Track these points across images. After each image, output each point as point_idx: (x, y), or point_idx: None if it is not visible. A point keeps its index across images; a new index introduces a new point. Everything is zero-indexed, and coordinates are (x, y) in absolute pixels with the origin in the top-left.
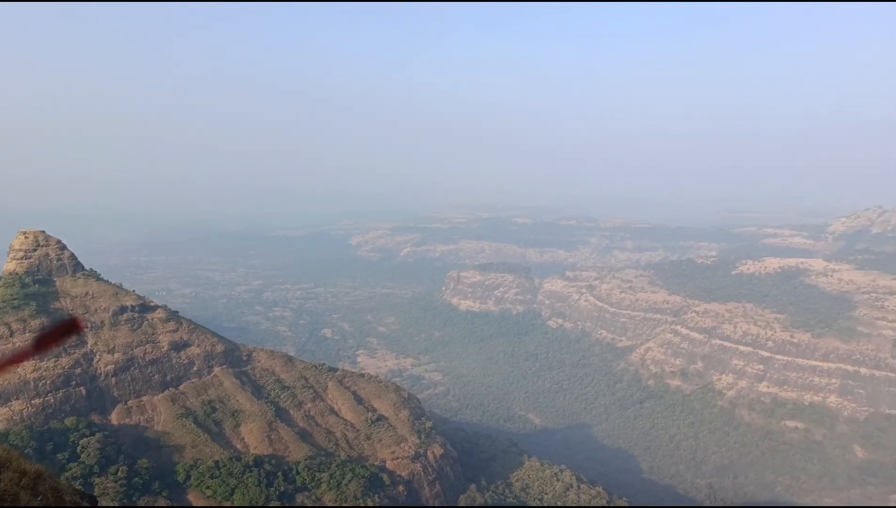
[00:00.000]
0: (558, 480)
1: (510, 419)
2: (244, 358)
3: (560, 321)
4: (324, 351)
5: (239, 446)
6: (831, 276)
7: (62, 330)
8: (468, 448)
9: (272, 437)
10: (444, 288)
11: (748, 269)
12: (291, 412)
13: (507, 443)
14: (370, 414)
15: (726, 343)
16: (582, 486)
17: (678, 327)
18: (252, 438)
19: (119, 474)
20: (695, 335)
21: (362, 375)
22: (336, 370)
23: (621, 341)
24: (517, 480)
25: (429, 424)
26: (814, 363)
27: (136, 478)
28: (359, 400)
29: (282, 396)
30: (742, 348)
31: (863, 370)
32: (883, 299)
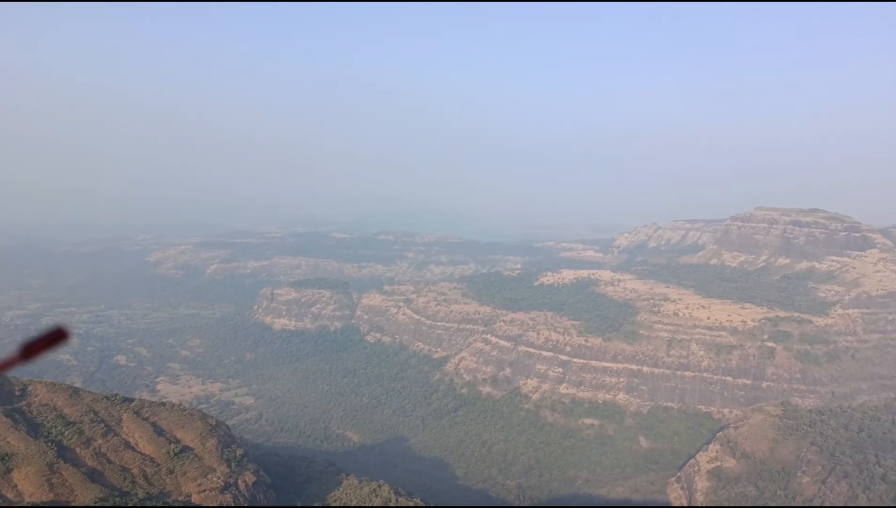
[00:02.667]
0: (376, 496)
1: (328, 438)
2: (17, 393)
3: (378, 335)
4: (117, 380)
5: (10, 494)
6: (617, 285)
7: (49, 339)
8: (283, 472)
9: (53, 481)
10: (256, 307)
11: (548, 280)
12: (78, 450)
13: (324, 464)
14: (173, 446)
15: (531, 349)
16: (400, 499)
17: (488, 336)
18: (28, 484)
19: None
20: (503, 342)
21: (163, 404)
22: (132, 400)
23: (437, 352)
24: (335, 500)
25: (240, 451)
26: (605, 364)
27: None
28: (159, 432)
29: (66, 433)
30: (544, 353)
31: (645, 369)
32: (659, 305)
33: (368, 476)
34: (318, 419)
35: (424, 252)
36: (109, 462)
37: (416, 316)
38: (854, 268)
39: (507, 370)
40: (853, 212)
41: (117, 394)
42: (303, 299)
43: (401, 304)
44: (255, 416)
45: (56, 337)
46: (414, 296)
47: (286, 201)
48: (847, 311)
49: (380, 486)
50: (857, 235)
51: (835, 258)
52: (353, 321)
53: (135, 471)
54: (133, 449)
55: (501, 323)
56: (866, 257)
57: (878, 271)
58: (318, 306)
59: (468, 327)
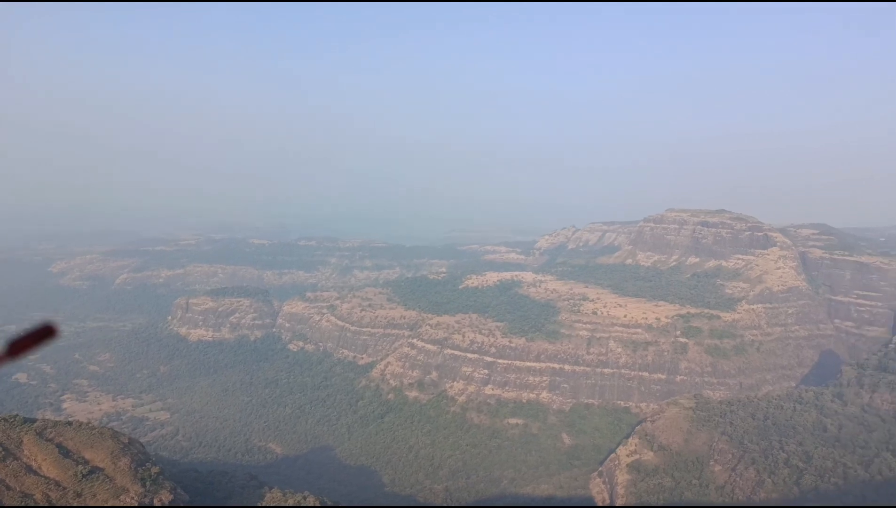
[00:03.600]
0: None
1: (249, 451)
2: None
3: (301, 343)
4: (17, 400)
5: None
6: (539, 286)
7: (36, 336)
8: (202, 488)
9: None
10: (170, 317)
11: (473, 283)
12: None
13: (246, 478)
14: (80, 467)
15: (456, 352)
16: None
17: (414, 340)
18: None
19: None
20: (429, 346)
21: (69, 423)
22: (34, 420)
23: (363, 358)
24: None
25: (155, 469)
26: (528, 364)
27: None
28: (65, 453)
29: None
30: (470, 355)
31: (566, 367)
32: (578, 305)
33: (293, 488)
34: (238, 432)
35: (348, 257)
36: (8, 488)
37: (341, 323)
38: (757, 265)
39: (434, 374)
40: (755, 212)
41: (17, 415)
42: (220, 309)
43: (324, 311)
44: (172, 432)
45: (43, 334)
46: (338, 302)
47: (203, 207)
48: (752, 306)
49: (304, 497)
50: (760, 234)
51: (740, 257)
52: (274, 330)
53: (38, 496)
54: (36, 473)
55: (427, 327)
56: (768, 254)
57: (778, 268)
58: (236, 315)
59: (394, 332)
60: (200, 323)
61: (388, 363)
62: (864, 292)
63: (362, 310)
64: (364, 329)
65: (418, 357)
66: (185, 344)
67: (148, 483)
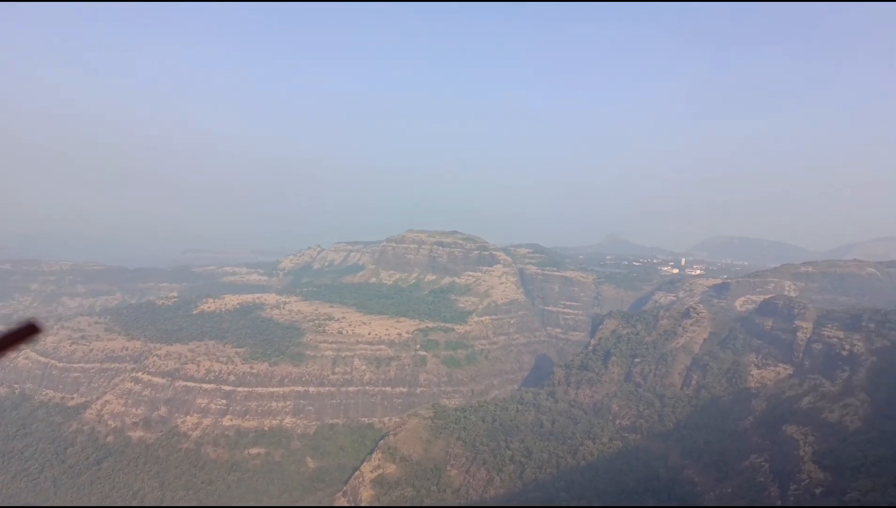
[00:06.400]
0: None
1: None
2: None
3: None
4: None
5: None
6: (283, 308)
7: (21, 333)
8: None
9: None
10: None
11: (209, 307)
12: None
13: None
14: None
15: (190, 384)
16: None
17: (139, 373)
18: None
19: None
20: (157, 379)
21: None
22: None
23: (73, 398)
24: None
25: None
26: (271, 389)
27: None
28: None
29: None
30: (206, 386)
31: (311, 389)
32: (324, 325)
33: None
34: None
35: (55, 283)
36: None
37: (44, 359)
38: (485, 281)
39: (163, 409)
40: (483, 233)
41: None
42: None
43: (21, 346)
44: None
45: (28, 332)
46: (40, 335)
47: None
48: (481, 318)
49: None
50: (486, 253)
51: (470, 274)
52: None
53: None
54: None
55: (155, 358)
56: (493, 271)
57: (502, 283)
58: None
59: (114, 365)
60: None
61: (107, 401)
62: (569, 303)
63: (73, 343)
64: (75, 365)
65: (144, 393)
66: None
67: None
